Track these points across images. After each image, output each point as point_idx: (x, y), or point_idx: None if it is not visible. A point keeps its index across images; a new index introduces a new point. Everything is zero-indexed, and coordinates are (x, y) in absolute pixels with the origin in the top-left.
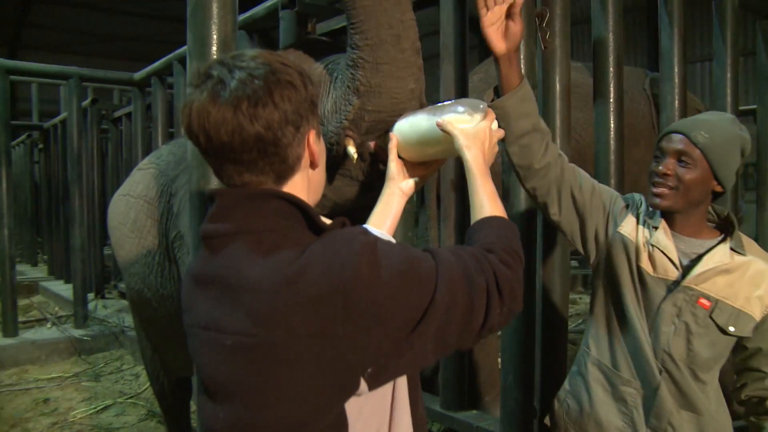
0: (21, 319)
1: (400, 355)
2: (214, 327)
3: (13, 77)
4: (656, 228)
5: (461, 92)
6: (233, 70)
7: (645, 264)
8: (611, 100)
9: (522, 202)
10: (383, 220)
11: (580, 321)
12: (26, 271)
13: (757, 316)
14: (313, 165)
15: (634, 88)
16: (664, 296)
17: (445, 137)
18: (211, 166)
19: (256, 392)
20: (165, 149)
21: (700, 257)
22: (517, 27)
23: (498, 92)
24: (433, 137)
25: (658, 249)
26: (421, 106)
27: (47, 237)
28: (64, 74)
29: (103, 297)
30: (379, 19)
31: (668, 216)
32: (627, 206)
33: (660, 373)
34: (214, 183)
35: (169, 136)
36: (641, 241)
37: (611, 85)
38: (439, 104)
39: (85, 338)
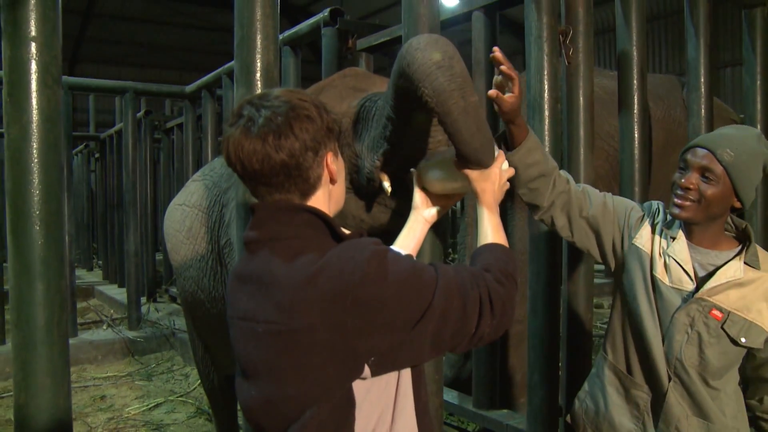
0: (79, 320)
1: (400, 349)
2: (249, 317)
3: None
4: (674, 238)
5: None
6: (260, 109)
7: (660, 273)
8: (635, 111)
9: None
10: (407, 243)
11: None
12: (82, 276)
13: None
14: (332, 181)
15: (670, 96)
16: (678, 306)
17: (462, 175)
18: (248, 188)
19: (280, 371)
20: (218, 162)
21: (716, 269)
22: (512, 98)
23: (507, 143)
24: (452, 176)
25: (675, 260)
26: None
27: (102, 243)
28: (121, 89)
29: (155, 301)
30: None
31: (687, 227)
32: (643, 216)
33: (669, 379)
34: None
35: (218, 146)
36: (657, 250)
37: (635, 96)
38: None
39: (138, 340)
